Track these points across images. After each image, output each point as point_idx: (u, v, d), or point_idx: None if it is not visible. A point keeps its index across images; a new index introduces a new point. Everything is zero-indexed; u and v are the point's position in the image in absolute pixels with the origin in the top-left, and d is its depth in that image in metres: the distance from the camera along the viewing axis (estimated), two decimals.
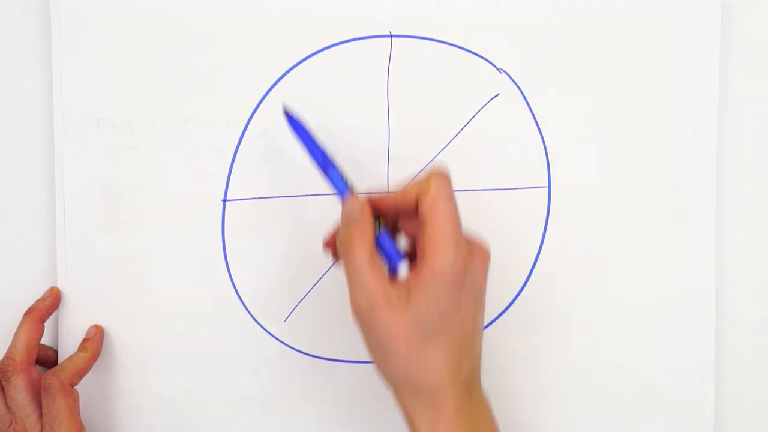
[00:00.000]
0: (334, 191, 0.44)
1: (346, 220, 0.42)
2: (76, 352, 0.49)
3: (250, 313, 0.51)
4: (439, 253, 0.39)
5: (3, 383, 0.48)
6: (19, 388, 0.47)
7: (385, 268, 0.41)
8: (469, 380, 0.41)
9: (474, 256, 0.41)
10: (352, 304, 0.41)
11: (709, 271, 0.51)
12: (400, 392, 0.41)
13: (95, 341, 0.50)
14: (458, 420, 0.40)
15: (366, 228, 0.41)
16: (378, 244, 0.42)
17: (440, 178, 0.41)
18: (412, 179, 0.43)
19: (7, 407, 0.48)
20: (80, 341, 0.50)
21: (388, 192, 0.43)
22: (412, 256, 0.42)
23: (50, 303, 0.50)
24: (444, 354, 0.40)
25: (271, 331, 0.51)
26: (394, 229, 0.44)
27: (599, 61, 0.50)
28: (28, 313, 0.49)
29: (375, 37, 0.50)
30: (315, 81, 0.50)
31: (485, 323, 0.50)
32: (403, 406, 0.41)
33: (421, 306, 0.39)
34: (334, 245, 0.45)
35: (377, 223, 0.42)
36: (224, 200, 0.50)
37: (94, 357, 0.49)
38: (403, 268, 0.41)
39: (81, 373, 0.49)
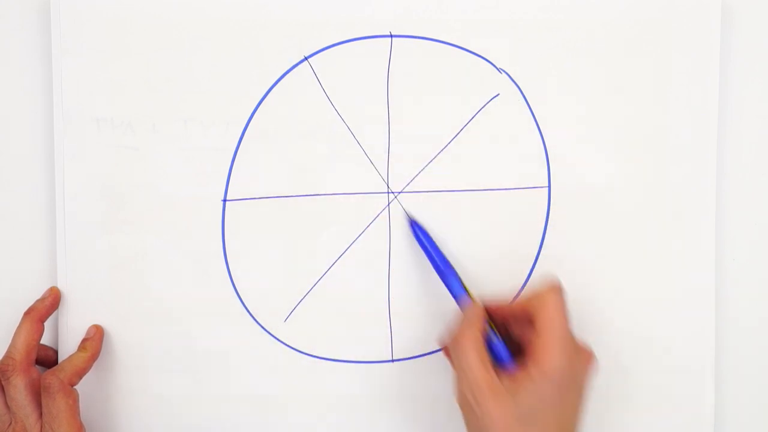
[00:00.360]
0: (451, 293, 0.48)
1: (462, 319, 0.46)
2: (75, 352, 0.49)
3: (250, 313, 0.51)
4: (550, 357, 0.43)
5: (3, 383, 0.48)
6: (18, 388, 0.47)
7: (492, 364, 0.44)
8: None
9: (580, 359, 0.45)
10: (456, 390, 0.44)
11: (709, 271, 0.51)
12: None
13: (95, 341, 0.50)
14: None
15: (477, 323, 0.45)
16: (488, 343, 0.45)
17: (556, 291, 0.44)
18: (524, 288, 0.50)
19: (7, 407, 0.48)
20: (80, 341, 0.50)
21: (504, 301, 0.47)
22: (515, 354, 0.46)
23: (50, 303, 0.50)
24: None
25: (271, 331, 0.51)
26: (503, 327, 0.47)
27: (599, 61, 0.50)
28: (27, 313, 0.49)
29: (375, 37, 0.50)
30: (315, 81, 0.50)
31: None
32: None
33: (527, 399, 0.42)
34: (447, 349, 0.48)
35: (490, 325, 0.46)
36: (224, 200, 0.50)
37: (94, 357, 0.49)
38: (511, 367, 0.45)
39: (81, 373, 0.49)
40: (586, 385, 0.45)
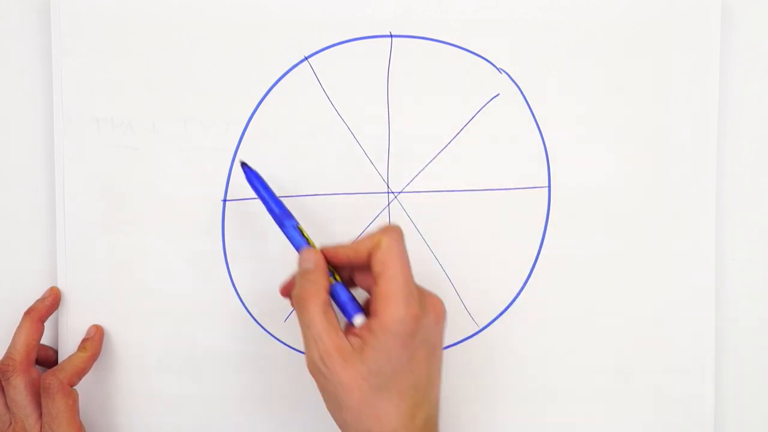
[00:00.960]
0: (293, 244, 0.44)
1: (301, 271, 0.43)
2: (75, 352, 0.49)
3: (250, 313, 0.51)
4: (390, 309, 0.40)
5: (3, 383, 0.48)
6: (18, 388, 0.47)
7: (341, 320, 0.42)
8: (424, 430, 0.41)
9: (427, 310, 0.41)
10: (307, 357, 0.41)
11: (709, 271, 0.51)
12: None
13: (95, 341, 0.50)
14: None
15: (319, 279, 0.42)
16: (333, 294, 0.42)
17: (392, 232, 0.42)
18: (365, 233, 0.44)
19: (7, 407, 0.48)
20: (80, 341, 0.50)
21: (341, 245, 0.43)
22: (369, 307, 0.42)
23: (50, 303, 0.50)
24: (397, 405, 0.40)
25: (271, 331, 0.51)
26: (351, 281, 0.44)
27: (599, 61, 0.50)
28: (27, 313, 0.49)
29: (375, 37, 0.50)
30: (315, 81, 0.50)
31: (491, 321, 0.50)
32: None
33: (373, 359, 0.40)
34: (288, 294, 0.45)
35: (332, 275, 0.43)
36: (224, 200, 0.50)
37: (94, 357, 0.49)
38: (358, 320, 0.42)
39: (80, 373, 0.49)
40: (439, 339, 0.42)
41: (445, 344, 0.51)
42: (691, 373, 0.51)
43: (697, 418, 0.51)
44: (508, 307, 0.51)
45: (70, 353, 0.50)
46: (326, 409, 0.51)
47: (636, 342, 0.51)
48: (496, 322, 0.51)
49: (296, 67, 0.50)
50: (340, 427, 0.42)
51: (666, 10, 0.50)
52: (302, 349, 0.51)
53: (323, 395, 0.42)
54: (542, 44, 0.50)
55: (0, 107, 0.51)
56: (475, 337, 0.51)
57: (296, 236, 0.44)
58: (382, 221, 0.50)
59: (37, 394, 0.47)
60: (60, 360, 0.50)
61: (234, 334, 0.51)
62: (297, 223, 0.45)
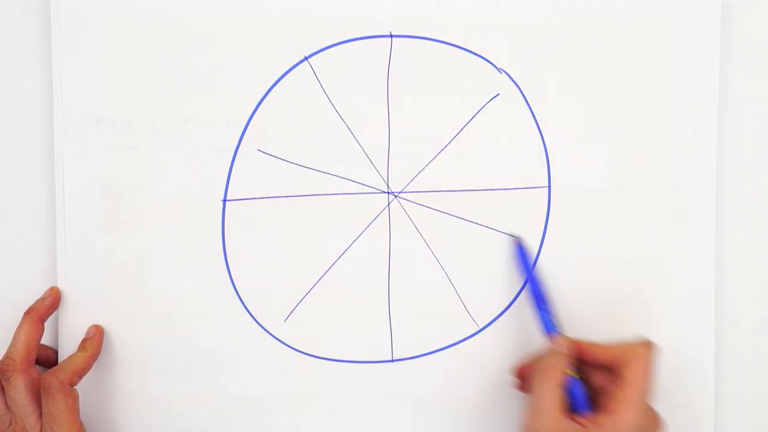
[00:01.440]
0: (542, 328, 0.48)
1: (551, 351, 0.46)
2: (75, 352, 0.49)
3: (250, 313, 0.51)
4: (627, 413, 0.43)
5: (3, 383, 0.48)
6: (18, 388, 0.47)
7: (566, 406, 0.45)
8: None
9: (650, 424, 0.45)
10: (526, 423, 0.45)
11: (709, 271, 0.51)
12: None
13: (95, 341, 0.50)
14: None
15: (563, 360, 0.46)
16: (570, 387, 0.46)
17: (651, 349, 0.45)
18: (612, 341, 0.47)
19: (7, 407, 0.48)
20: (80, 341, 0.50)
21: (594, 342, 0.47)
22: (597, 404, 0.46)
23: (50, 303, 0.50)
24: None
25: (271, 331, 0.51)
26: (584, 375, 0.47)
27: (599, 61, 0.50)
28: (28, 313, 0.49)
29: (375, 37, 0.50)
30: (315, 81, 0.50)
31: (490, 321, 0.50)
32: None
33: None
34: (521, 375, 0.49)
35: (577, 370, 0.46)
36: (224, 200, 0.50)
37: (94, 357, 0.49)
38: (585, 413, 0.45)
39: (81, 373, 0.49)
40: None
41: (446, 344, 0.51)
42: (691, 373, 0.51)
43: (697, 418, 0.51)
44: (508, 307, 0.51)
45: (70, 353, 0.50)
46: (326, 409, 0.51)
47: None
48: (496, 322, 0.51)
49: (296, 67, 0.50)
50: None
51: (666, 10, 0.50)
52: (302, 349, 0.51)
53: None
54: (542, 44, 0.50)
55: (0, 107, 0.51)
56: (475, 337, 0.51)
57: (548, 321, 0.48)
58: (382, 222, 0.50)
59: (38, 394, 0.47)
60: (60, 360, 0.50)
61: (234, 334, 0.51)
62: (550, 309, 0.48)
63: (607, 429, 0.43)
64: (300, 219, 0.50)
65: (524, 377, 0.49)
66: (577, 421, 0.44)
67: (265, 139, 0.50)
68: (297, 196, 0.50)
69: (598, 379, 0.47)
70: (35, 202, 0.51)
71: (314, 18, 0.49)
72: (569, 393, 0.45)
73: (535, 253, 0.50)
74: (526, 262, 0.49)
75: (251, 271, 0.50)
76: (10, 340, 0.48)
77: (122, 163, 0.50)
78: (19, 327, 0.49)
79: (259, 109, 0.50)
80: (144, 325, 0.51)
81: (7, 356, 0.48)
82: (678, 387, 0.51)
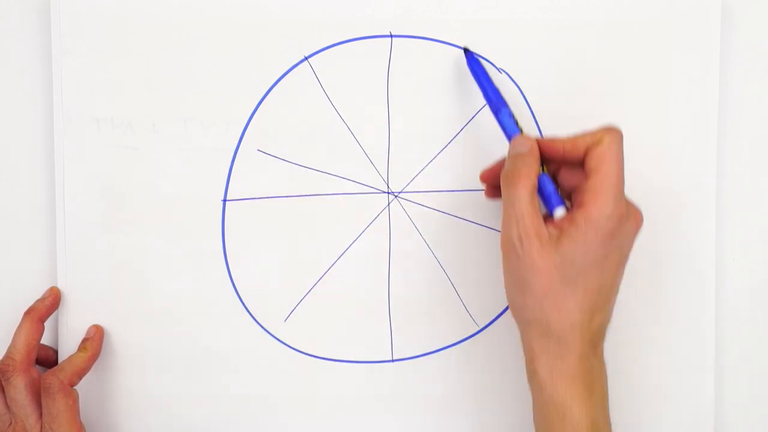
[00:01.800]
0: (505, 131, 0.45)
1: (514, 153, 0.43)
2: (75, 352, 0.49)
3: (250, 313, 0.51)
4: (599, 203, 0.40)
5: (3, 383, 0.48)
6: (18, 388, 0.47)
7: (542, 208, 0.42)
8: (597, 335, 0.42)
9: (630, 216, 0.42)
10: (503, 235, 0.42)
11: (709, 271, 0.51)
12: (527, 329, 0.42)
13: (95, 341, 0.50)
14: (578, 371, 0.41)
15: (532, 163, 0.42)
16: (539, 185, 0.43)
17: (614, 133, 0.42)
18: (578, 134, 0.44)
19: (7, 407, 0.48)
20: (80, 341, 0.50)
21: (557, 137, 0.44)
22: (572, 203, 0.43)
23: (50, 303, 0.50)
24: (581, 302, 0.41)
25: (271, 331, 0.51)
26: (553, 178, 0.45)
27: (599, 61, 0.50)
28: (28, 313, 0.49)
29: (375, 37, 0.50)
30: (315, 81, 0.50)
31: (491, 321, 0.50)
32: (527, 345, 0.42)
33: (569, 250, 0.40)
34: (489, 179, 0.46)
35: (541, 166, 0.43)
36: (224, 200, 0.50)
37: (94, 357, 0.49)
38: (559, 212, 0.43)
39: (81, 373, 0.49)
40: (629, 250, 0.42)
41: (446, 344, 0.51)
42: (691, 373, 0.51)
43: (697, 418, 0.51)
44: (508, 307, 0.51)
45: (70, 353, 0.50)
46: (326, 409, 0.51)
47: (636, 342, 0.51)
48: (496, 322, 0.51)
49: (296, 67, 0.50)
50: (516, 310, 0.43)
51: (666, 10, 0.50)
52: (302, 349, 0.51)
53: (507, 276, 0.42)
54: (542, 44, 0.50)
55: (0, 107, 0.51)
56: (475, 337, 0.51)
57: (511, 123, 0.45)
58: (382, 222, 0.50)
59: (38, 394, 0.47)
60: (60, 360, 0.50)
61: (234, 334, 0.51)
62: (512, 112, 0.45)
63: (582, 225, 0.40)
64: (300, 219, 0.50)
65: (494, 183, 0.46)
66: (554, 225, 0.41)
67: (265, 139, 0.50)
68: (297, 196, 0.50)
69: (568, 176, 0.44)
70: (35, 202, 0.51)
71: (314, 18, 0.49)
72: (540, 192, 0.43)
73: None
74: (478, 68, 0.47)
75: (251, 271, 0.50)
76: (10, 340, 0.48)
77: (122, 163, 0.50)
78: (19, 327, 0.49)
79: (259, 109, 0.50)
80: (144, 325, 0.51)
81: (7, 356, 0.48)
82: (678, 387, 0.51)
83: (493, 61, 0.50)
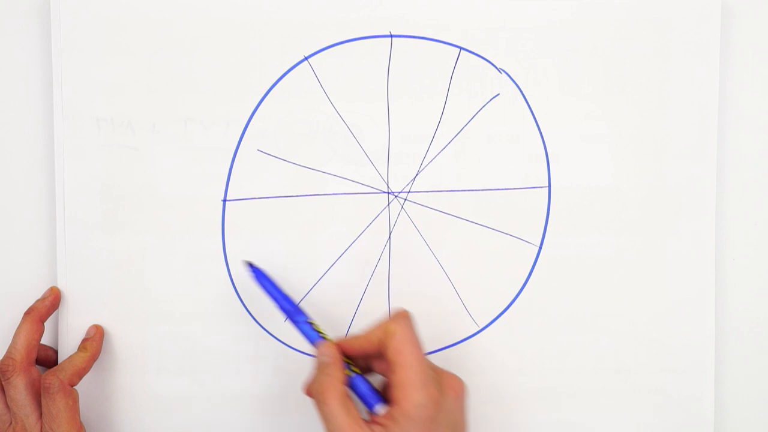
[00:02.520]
0: (307, 339, 0.46)
1: (318, 366, 0.44)
2: (75, 352, 0.49)
3: (250, 313, 0.51)
4: (409, 396, 0.41)
5: (3, 383, 0.48)
6: (18, 388, 0.47)
7: (361, 409, 0.43)
8: None
9: (446, 390, 0.43)
10: None
11: (709, 271, 0.51)
12: None
13: (95, 341, 0.50)
14: None
15: (335, 372, 0.43)
16: (352, 386, 0.44)
17: (401, 319, 0.43)
18: (375, 323, 0.44)
19: (7, 407, 0.48)
20: (80, 341, 0.50)
21: (355, 336, 0.45)
22: (388, 394, 0.43)
23: (50, 303, 0.50)
24: None
25: (271, 331, 0.51)
26: (368, 368, 0.45)
27: (599, 61, 0.50)
28: (28, 313, 0.49)
29: (375, 37, 0.50)
30: (315, 81, 0.50)
31: (491, 321, 0.50)
32: None
33: None
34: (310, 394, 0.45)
35: (349, 366, 0.44)
36: (224, 200, 0.50)
37: (94, 357, 0.49)
38: (380, 409, 0.43)
39: (81, 373, 0.49)
40: (461, 416, 0.43)
41: (446, 344, 0.51)
42: (691, 373, 0.51)
43: (697, 418, 0.51)
44: (508, 307, 0.51)
45: (70, 353, 0.50)
46: None
47: (636, 342, 0.51)
48: (496, 322, 0.51)
49: (296, 67, 0.50)
50: None
51: (666, 10, 0.50)
52: (302, 349, 0.51)
53: None
54: (542, 44, 0.50)
55: (0, 107, 0.51)
56: (475, 337, 0.51)
57: (309, 331, 0.46)
58: (382, 222, 0.50)
59: (38, 394, 0.47)
60: (60, 360, 0.50)
61: (234, 334, 0.51)
62: (308, 318, 0.46)
63: (402, 420, 0.40)
64: (300, 219, 0.50)
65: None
66: (377, 422, 0.41)
67: (265, 139, 0.50)
68: (297, 196, 0.50)
69: (379, 366, 0.45)
70: (35, 202, 0.51)
71: (314, 18, 0.49)
72: (356, 393, 0.44)
73: (535, 253, 0.50)
74: (266, 282, 0.47)
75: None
76: (10, 340, 0.48)
77: (122, 163, 0.50)
78: (19, 327, 0.49)
79: (259, 109, 0.50)
80: (144, 325, 0.51)
81: (7, 356, 0.48)
82: (678, 387, 0.51)
83: (493, 61, 0.50)
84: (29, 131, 0.51)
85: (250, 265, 0.48)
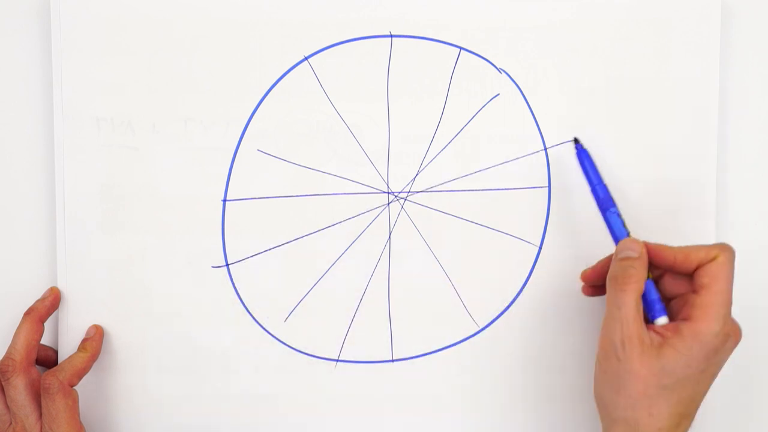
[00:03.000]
0: (612, 230, 0.46)
1: (623, 257, 0.44)
2: (75, 353, 0.49)
3: (250, 313, 0.51)
4: (709, 320, 0.42)
5: (3, 383, 0.48)
6: (18, 388, 0.47)
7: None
8: None
9: (732, 333, 0.43)
10: (604, 335, 0.43)
11: None
12: (613, 427, 0.43)
13: (95, 341, 0.50)
14: None
15: (641, 269, 0.44)
16: (645, 291, 0.44)
17: (728, 252, 0.43)
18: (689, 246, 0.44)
19: (7, 407, 0.48)
20: (80, 341, 0.50)
21: (667, 245, 0.45)
22: (676, 312, 0.44)
23: (50, 303, 0.50)
24: (672, 408, 0.42)
25: (271, 331, 0.51)
26: (656, 283, 0.46)
27: (599, 61, 0.50)
28: (28, 313, 0.49)
29: (375, 37, 0.50)
30: (315, 81, 0.50)
31: (491, 321, 0.50)
32: None
33: (671, 360, 0.41)
34: (591, 279, 0.47)
35: (648, 275, 0.45)
36: (224, 200, 0.50)
37: (94, 357, 0.49)
38: (662, 321, 0.44)
39: (80, 374, 0.49)
40: (726, 360, 0.43)
41: (446, 344, 0.51)
42: None
43: (696, 418, 0.51)
44: (508, 307, 0.51)
45: (70, 353, 0.50)
46: (326, 409, 0.51)
47: None
48: (496, 322, 0.51)
49: (296, 67, 0.50)
50: (604, 407, 0.43)
51: (666, 10, 0.50)
52: (302, 349, 0.51)
53: (602, 374, 0.43)
54: (542, 44, 0.50)
55: (0, 107, 0.51)
56: (475, 337, 0.51)
57: (618, 224, 0.46)
58: (382, 222, 0.50)
59: (37, 394, 0.47)
60: (60, 360, 0.50)
61: (234, 334, 0.51)
62: (619, 212, 0.46)
63: (688, 338, 0.41)
64: (300, 219, 0.50)
65: (595, 282, 0.48)
66: (656, 331, 0.42)
67: (265, 139, 0.50)
68: (297, 196, 0.50)
69: (671, 284, 0.45)
70: (35, 202, 0.51)
71: (314, 18, 0.49)
72: (643, 297, 0.44)
73: (535, 253, 0.50)
74: (588, 162, 0.48)
75: (251, 271, 0.50)
76: (10, 340, 0.48)
77: (122, 163, 0.50)
78: (19, 327, 0.49)
79: (259, 109, 0.50)
80: (144, 325, 0.51)
81: (7, 356, 0.48)
82: None
83: (493, 61, 0.50)
84: (29, 131, 0.51)
85: (577, 143, 0.48)
